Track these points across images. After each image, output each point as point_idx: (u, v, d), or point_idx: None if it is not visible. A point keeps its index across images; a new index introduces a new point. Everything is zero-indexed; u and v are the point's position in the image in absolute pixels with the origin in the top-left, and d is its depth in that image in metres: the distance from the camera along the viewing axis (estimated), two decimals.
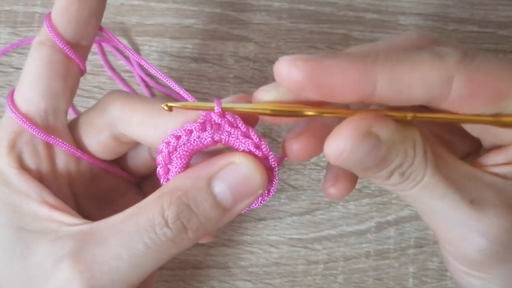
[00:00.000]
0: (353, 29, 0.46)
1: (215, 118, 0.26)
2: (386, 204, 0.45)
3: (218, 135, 0.26)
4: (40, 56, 0.29)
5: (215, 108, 0.25)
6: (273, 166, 0.27)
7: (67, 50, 0.29)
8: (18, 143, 0.29)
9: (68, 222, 0.27)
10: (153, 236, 0.25)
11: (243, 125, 0.26)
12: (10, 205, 0.28)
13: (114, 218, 0.27)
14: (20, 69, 0.42)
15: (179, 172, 0.27)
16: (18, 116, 0.28)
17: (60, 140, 0.29)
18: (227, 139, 0.26)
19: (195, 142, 0.26)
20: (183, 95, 0.27)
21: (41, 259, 0.26)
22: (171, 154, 0.27)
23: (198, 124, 0.26)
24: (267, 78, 0.45)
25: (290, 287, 0.44)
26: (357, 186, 0.45)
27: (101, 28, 0.31)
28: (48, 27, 0.29)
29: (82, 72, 0.31)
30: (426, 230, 0.44)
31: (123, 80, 0.45)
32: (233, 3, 0.46)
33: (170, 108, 0.25)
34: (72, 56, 0.29)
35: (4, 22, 0.45)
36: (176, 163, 0.27)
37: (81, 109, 0.45)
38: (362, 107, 0.28)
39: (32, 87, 0.29)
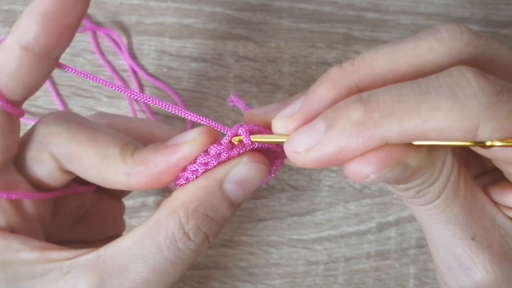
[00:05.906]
0: (353, 28, 0.46)
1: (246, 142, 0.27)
2: (386, 204, 0.44)
3: (244, 149, 0.27)
4: None
5: (244, 140, 0.26)
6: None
7: (11, 111, 0.27)
8: None
9: (67, 256, 0.26)
10: (177, 252, 0.25)
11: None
12: None
13: (124, 241, 0.26)
14: None
15: None
16: None
17: (16, 193, 0.27)
18: (251, 147, 0.27)
19: (223, 160, 0.27)
20: (202, 122, 0.27)
21: None
22: (198, 177, 0.27)
23: (224, 146, 0.26)
24: (266, 77, 0.45)
25: None
26: (358, 186, 0.45)
27: (59, 65, 0.27)
28: None
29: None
30: None
31: (122, 80, 0.45)
32: (233, 2, 0.46)
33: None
34: (17, 113, 0.27)
35: (3, 21, 0.45)
36: None
37: (81, 109, 0.44)
38: None
39: None
